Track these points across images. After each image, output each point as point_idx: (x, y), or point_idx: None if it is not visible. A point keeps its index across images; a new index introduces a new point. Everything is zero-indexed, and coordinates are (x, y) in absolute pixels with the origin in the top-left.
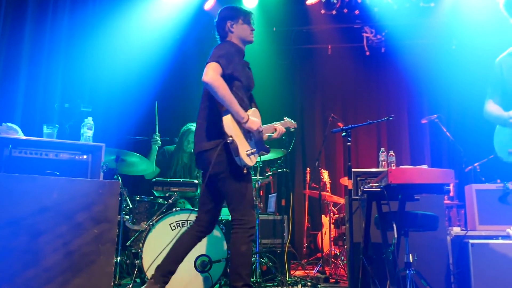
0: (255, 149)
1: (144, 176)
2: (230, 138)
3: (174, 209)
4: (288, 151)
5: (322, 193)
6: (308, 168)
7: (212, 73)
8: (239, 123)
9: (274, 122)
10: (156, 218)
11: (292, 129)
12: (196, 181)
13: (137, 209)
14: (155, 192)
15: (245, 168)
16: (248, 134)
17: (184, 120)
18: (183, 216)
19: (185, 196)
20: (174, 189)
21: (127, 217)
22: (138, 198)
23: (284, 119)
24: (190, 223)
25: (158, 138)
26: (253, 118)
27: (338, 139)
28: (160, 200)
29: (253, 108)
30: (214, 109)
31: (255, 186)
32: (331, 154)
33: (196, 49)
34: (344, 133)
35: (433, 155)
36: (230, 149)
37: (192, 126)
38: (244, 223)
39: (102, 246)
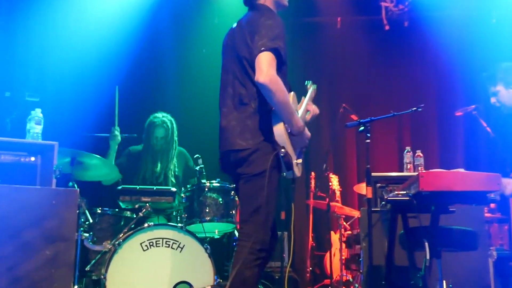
0: (300, 159)
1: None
2: (283, 150)
3: (146, 225)
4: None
5: (330, 203)
6: (312, 173)
7: (271, 72)
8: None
9: (302, 98)
10: (123, 236)
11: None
12: (173, 189)
13: (99, 225)
14: (121, 203)
15: (293, 182)
16: (293, 139)
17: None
18: (158, 233)
19: (159, 208)
20: (146, 199)
21: (86, 234)
22: (99, 211)
23: (308, 87)
24: (167, 242)
25: (118, 133)
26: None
27: (349, 135)
28: (128, 213)
29: (292, 92)
30: (254, 100)
31: None
32: (342, 155)
33: (172, 22)
34: (362, 128)
35: (468, 156)
36: (278, 162)
37: (158, 118)
38: (254, 241)
39: (56, 272)
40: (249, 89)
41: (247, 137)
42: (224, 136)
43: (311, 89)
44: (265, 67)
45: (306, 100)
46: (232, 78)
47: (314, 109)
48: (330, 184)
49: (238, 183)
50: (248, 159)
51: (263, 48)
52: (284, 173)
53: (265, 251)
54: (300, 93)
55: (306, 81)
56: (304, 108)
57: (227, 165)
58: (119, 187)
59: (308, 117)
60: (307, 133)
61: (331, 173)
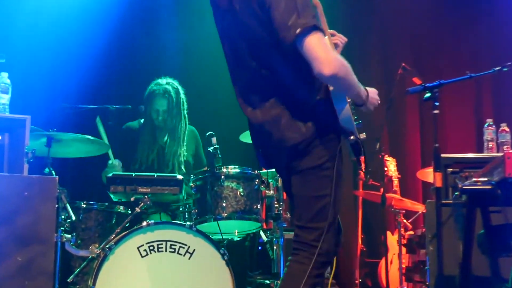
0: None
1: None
2: (353, 138)
3: (145, 223)
4: None
5: (386, 195)
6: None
7: (331, 55)
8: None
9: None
10: (115, 238)
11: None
12: (180, 177)
13: (84, 223)
14: (112, 196)
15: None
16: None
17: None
18: (160, 235)
19: (161, 201)
20: (144, 190)
21: (68, 236)
22: (84, 205)
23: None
24: (172, 245)
25: (117, 164)
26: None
27: (411, 104)
28: (121, 208)
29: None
30: (295, 80)
31: (276, 184)
32: (401, 131)
33: None
34: (428, 94)
35: None
36: (341, 152)
37: (160, 85)
38: (320, 253)
39: (30, 283)
40: (274, 75)
41: (299, 126)
42: (263, 131)
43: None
44: (322, 53)
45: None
46: (248, 57)
47: (341, 39)
48: (386, 169)
49: (290, 178)
50: (306, 150)
51: (299, 30)
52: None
53: (327, 263)
54: None
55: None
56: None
57: (270, 160)
58: (110, 174)
59: (338, 50)
60: (373, 95)
61: (386, 155)
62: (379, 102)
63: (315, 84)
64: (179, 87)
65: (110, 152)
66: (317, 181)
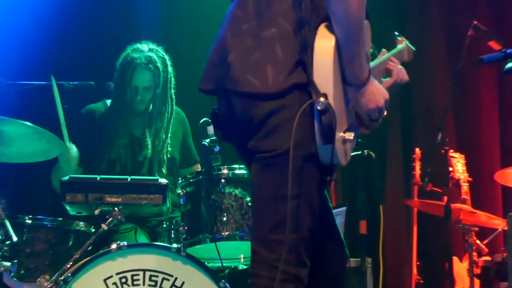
0: (354, 132)
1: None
2: (323, 100)
3: (114, 246)
4: None
5: (452, 205)
6: (417, 150)
7: None
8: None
9: (383, 50)
10: (72, 266)
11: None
12: (163, 180)
13: (30, 246)
14: (68, 207)
15: (334, 171)
16: (349, 95)
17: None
18: (136, 261)
19: (137, 215)
20: (113, 199)
21: (8, 264)
22: (30, 221)
23: (398, 40)
24: (152, 276)
25: (72, 147)
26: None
27: (485, 79)
28: (81, 226)
29: (368, 22)
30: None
31: None
32: (472, 117)
33: None
34: (511, 64)
35: None
36: (312, 119)
37: (141, 53)
38: (281, 278)
39: None
40: None
41: (268, 72)
42: (222, 63)
43: (401, 45)
44: None
45: (388, 54)
46: None
47: (399, 72)
48: (451, 170)
49: (250, 165)
50: (267, 121)
51: None
52: (317, 150)
53: (302, 281)
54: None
55: (395, 32)
56: (381, 63)
57: (227, 122)
58: (65, 178)
59: (387, 82)
60: (376, 92)
61: (452, 150)
62: (382, 110)
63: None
64: (166, 57)
65: (64, 133)
66: (278, 173)
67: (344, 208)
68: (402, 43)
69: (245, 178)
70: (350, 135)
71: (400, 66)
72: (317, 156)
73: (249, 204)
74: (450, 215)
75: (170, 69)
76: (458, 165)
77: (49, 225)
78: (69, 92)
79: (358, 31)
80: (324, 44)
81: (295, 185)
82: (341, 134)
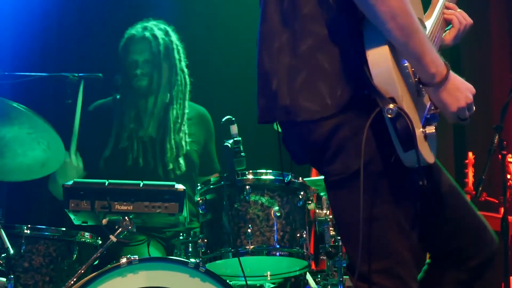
0: (433, 121)
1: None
2: (392, 107)
3: (124, 259)
4: None
5: (510, 218)
6: (469, 154)
7: None
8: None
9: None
10: (75, 282)
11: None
12: (180, 186)
13: (28, 260)
14: (72, 216)
15: (423, 174)
16: (417, 89)
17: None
18: (149, 278)
19: (150, 226)
20: (123, 207)
21: (3, 279)
22: (28, 232)
23: None
24: None
25: (76, 161)
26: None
27: None
28: (86, 237)
29: None
30: (335, 24)
31: (324, 195)
32: None
33: None
34: None
35: None
36: (382, 129)
37: (138, 28)
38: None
39: None
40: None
41: (322, 91)
42: (267, 92)
43: None
44: None
45: (440, 3)
46: None
47: (460, 18)
48: (509, 178)
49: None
50: (331, 142)
51: None
52: (400, 157)
53: None
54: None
55: None
56: (436, 21)
57: (294, 147)
58: (69, 183)
59: (451, 34)
60: (461, 86)
61: (510, 155)
62: (471, 106)
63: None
64: (169, 28)
65: (73, 144)
66: (356, 194)
67: None
68: None
69: (273, 185)
70: (431, 129)
71: (459, 10)
72: (397, 167)
73: (278, 215)
74: (508, 229)
75: (175, 38)
76: None
77: (50, 236)
78: (74, 84)
79: (410, 25)
80: (379, 53)
81: (374, 206)
82: (421, 130)
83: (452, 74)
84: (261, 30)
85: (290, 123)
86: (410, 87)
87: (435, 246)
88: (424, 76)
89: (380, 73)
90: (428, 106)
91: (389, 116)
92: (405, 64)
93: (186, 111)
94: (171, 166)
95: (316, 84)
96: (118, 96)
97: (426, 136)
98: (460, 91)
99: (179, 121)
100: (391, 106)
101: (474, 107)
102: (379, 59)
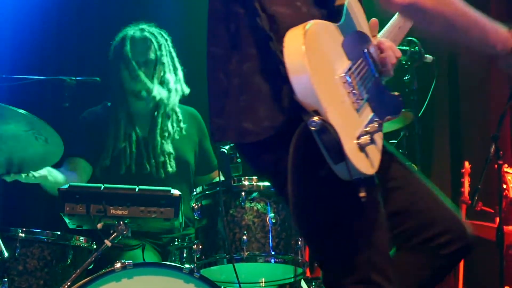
0: (376, 121)
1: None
2: (317, 120)
3: (119, 264)
4: (418, 115)
5: (506, 228)
6: (466, 164)
7: None
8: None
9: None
10: (70, 286)
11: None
12: (175, 192)
13: (22, 263)
14: (67, 220)
15: (362, 189)
16: (357, 103)
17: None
18: (144, 283)
19: (145, 231)
20: (118, 212)
21: None
22: (23, 235)
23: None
24: None
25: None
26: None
27: None
28: (81, 241)
29: None
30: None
31: None
32: None
33: None
34: None
35: None
36: (311, 142)
37: (133, 28)
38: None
39: None
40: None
41: (261, 114)
42: (217, 112)
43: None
44: None
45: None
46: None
47: (392, 59)
48: (505, 187)
49: None
50: (279, 167)
51: None
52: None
53: None
54: None
55: None
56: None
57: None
58: (64, 186)
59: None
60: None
61: (506, 165)
62: (395, 54)
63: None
64: (163, 32)
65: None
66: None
67: None
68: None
69: (269, 192)
70: (366, 139)
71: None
72: (333, 181)
73: (273, 221)
74: (503, 239)
75: (169, 45)
76: None
77: (44, 239)
78: (72, 88)
79: (442, 6)
80: (292, 52)
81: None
82: (354, 142)
83: None
84: (211, 50)
85: (239, 144)
86: (346, 101)
87: (395, 238)
88: (489, 47)
89: (300, 83)
90: (370, 119)
91: (313, 129)
92: (340, 76)
93: (178, 110)
94: (168, 167)
95: (257, 107)
96: (109, 104)
97: (362, 147)
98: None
99: (171, 122)
100: (315, 118)
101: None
102: (296, 67)
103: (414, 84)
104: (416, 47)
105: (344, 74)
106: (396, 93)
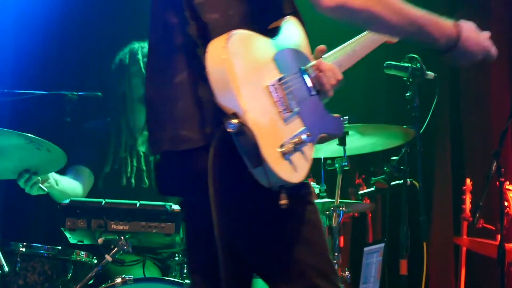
0: (306, 134)
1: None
2: (235, 122)
3: (119, 279)
4: (420, 132)
5: (507, 245)
6: (467, 180)
7: None
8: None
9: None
10: None
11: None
12: (177, 207)
13: (23, 278)
14: (68, 235)
15: (282, 197)
16: (284, 114)
17: None
18: None
19: (146, 246)
20: (119, 227)
21: None
22: (24, 250)
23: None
24: None
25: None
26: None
27: None
28: (82, 256)
29: (290, 16)
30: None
31: (328, 223)
32: None
33: None
34: None
35: None
36: (235, 148)
37: (137, 47)
38: None
39: None
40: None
41: (198, 124)
42: (154, 122)
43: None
44: None
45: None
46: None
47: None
48: (507, 205)
49: None
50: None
51: None
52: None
53: None
54: None
55: None
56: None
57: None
58: (65, 201)
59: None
60: (466, 31)
61: (507, 182)
62: (489, 49)
63: None
64: None
65: None
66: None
67: (382, 245)
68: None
69: None
70: (289, 147)
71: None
72: (257, 190)
73: None
74: (504, 257)
75: None
76: None
77: (45, 254)
78: (74, 103)
79: (374, 5)
80: (213, 55)
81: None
82: (277, 149)
83: (462, 24)
84: (151, 60)
85: (175, 152)
86: (271, 109)
87: None
88: (439, 43)
89: (220, 86)
90: (300, 131)
91: (230, 130)
92: (267, 85)
93: None
94: None
95: (192, 115)
96: (108, 119)
97: (285, 155)
98: (471, 36)
99: None
100: (233, 121)
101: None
102: (216, 70)
103: (416, 101)
104: (418, 64)
105: (272, 84)
106: (336, 115)
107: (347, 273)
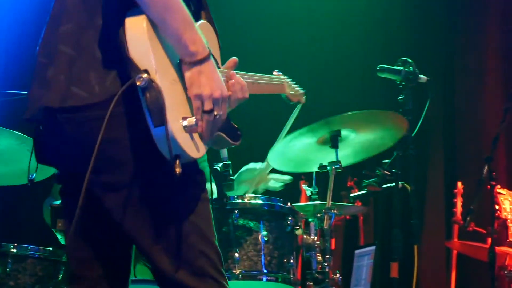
0: (201, 123)
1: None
2: (145, 77)
3: None
4: (412, 135)
5: (497, 249)
6: (459, 184)
7: None
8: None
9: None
10: None
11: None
12: None
13: (14, 279)
14: (59, 236)
15: (177, 165)
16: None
17: None
18: None
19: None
20: None
21: None
22: (15, 250)
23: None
24: None
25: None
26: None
27: None
28: None
29: (202, 21)
30: (113, 16)
31: (320, 226)
32: None
33: None
34: None
35: None
36: (141, 107)
37: None
38: None
39: None
40: None
41: (92, 80)
42: (42, 81)
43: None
44: None
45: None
46: None
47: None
48: (497, 208)
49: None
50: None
51: None
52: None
53: None
54: None
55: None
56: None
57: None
58: (56, 202)
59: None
60: (215, 80)
61: (498, 186)
62: (217, 101)
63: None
64: None
65: None
66: (148, 194)
67: (373, 247)
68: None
69: (261, 209)
70: (191, 121)
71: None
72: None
73: (265, 239)
74: (495, 260)
75: None
76: (506, 203)
77: (36, 255)
78: None
79: (171, 2)
80: (136, 20)
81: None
82: (180, 122)
83: (214, 66)
84: (53, 11)
85: (62, 113)
86: (179, 82)
87: None
88: (184, 53)
89: (136, 44)
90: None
91: (138, 84)
92: (177, 62)
93: None
94: None
95: (88, 73)
96: None
97: (185, 127)
98: (216, 80)
99: None
100: (144, 76)
101: (221, 111)
102: (136, 31)
103: (409, 104)
104: (411, 67)
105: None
106: (236, 126)
107: (338, 275)
